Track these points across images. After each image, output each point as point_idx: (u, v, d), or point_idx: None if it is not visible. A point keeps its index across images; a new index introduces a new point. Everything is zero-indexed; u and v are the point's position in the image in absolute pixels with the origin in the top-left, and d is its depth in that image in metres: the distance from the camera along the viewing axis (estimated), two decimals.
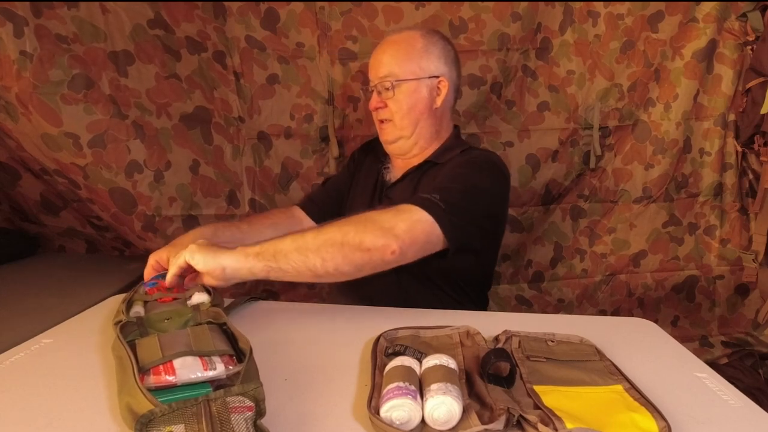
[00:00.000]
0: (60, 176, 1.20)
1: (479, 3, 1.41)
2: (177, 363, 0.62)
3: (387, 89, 1.08)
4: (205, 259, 0.81)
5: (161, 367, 0.61)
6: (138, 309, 0.80)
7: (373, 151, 1.25)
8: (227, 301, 0.92)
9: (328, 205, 1.25)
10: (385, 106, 1.10)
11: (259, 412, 0.54)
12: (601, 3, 1.44)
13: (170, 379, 0.59)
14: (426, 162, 1.11)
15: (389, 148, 1.16)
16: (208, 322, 0.74)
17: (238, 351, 0.69)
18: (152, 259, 0.93)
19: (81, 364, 0.73)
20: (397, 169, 1.17)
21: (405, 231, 0.83)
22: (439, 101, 1.12)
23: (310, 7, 1.40)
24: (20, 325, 0.89)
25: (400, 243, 0.82)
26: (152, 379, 0.59)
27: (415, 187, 1.09)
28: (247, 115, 1.43)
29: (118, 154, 1.18)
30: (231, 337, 0.72)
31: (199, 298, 0.83)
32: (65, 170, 1.17)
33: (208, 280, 0.82)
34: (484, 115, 1.50)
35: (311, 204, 1.25)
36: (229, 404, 0.53)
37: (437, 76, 1.10)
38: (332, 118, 1.47)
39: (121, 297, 0.86)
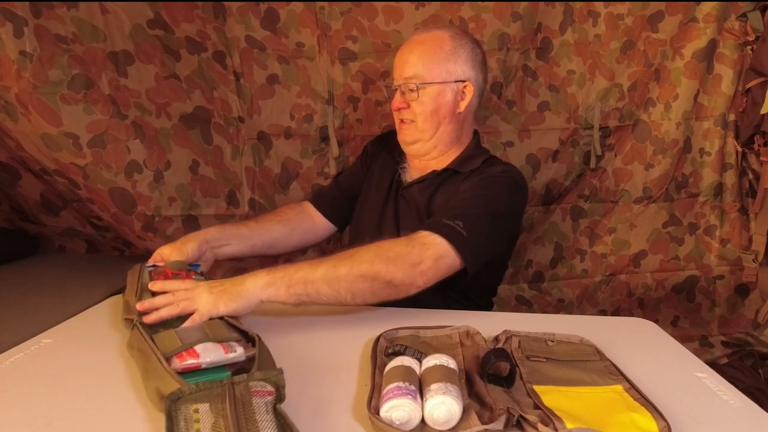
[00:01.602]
0: (60, 176, 1.20)
1: (479, 3, 1.41)
2: (199, 348, 0.66)
3: (411, 90, 1.06)
4: (226, 305, 0.80)
5: (184, 353, 0.65)
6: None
7: (387, 147, 1.24)
8: None
9: (339, 201, 1.26)
10: (408, 106, 1.08)
11: (279, 397, 0.57)
12: (602, 3, 1.44)
13: (194, 361, 0.63)
14: (447, 169, 1.11)
15: (407, 149, 1.14)
16: (210, 318, 0.78)
17: (248, 338, 0.74)
18: (157, 256, 0.95)
19: (81, 364, 0.73)
20: (413, 170, 1.16)
21: (430, 268, 0.87)
22: (462, 106, 1.10)
23: (310, 7, 1.40)
24: (20, 325, 0.89)
25: (425, 280, 0.87)
26: (178, 363, 0.63)
27: (433, 193, 1.09)
28: (247, 115, 1.43)
29: (117, 154, 1.18)
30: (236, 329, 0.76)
31: None
32: (65, 170, 1.17)
33: (208, 314, 0.79)
34: (484, 115, 1.49)
35: (322, 199, 1.26)
36: (251, 388, 0.56)
37: (463, 81, 1.09)
38: (332, 118, 1.47)
39: (124, 293, 0.87)
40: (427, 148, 1.12)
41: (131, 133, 1.20)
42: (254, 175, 1.45)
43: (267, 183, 1.47)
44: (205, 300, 0.79)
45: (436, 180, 1.11)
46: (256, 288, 0.82)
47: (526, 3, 1.41)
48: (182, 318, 0.79)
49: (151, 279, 0.87)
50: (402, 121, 1.11)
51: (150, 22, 1.25)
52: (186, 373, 0.63)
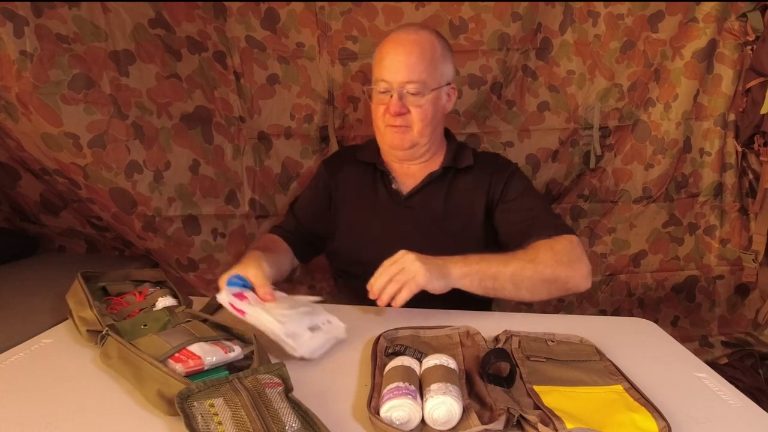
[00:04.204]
0: (60, 176, 1.20)
1: (479, 3, 1.41)
2: (197, 350, 0.66)
3: (414, 95, 1.03)
4: (438, 280, 0.86)
5: (179, 355, 0.65)
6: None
7: (347, 164, 1.20)
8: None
9: (304, 237, 1.20)
10: (408, 112, 1.05)
11: (288, 387, 0.59)
12: (601, 3, 1.44)
13: (196, 363, 0.64)
14: (447, 168, 1.11)
15: (399, 154, 1.12)
16: (187, 321, 0.78)
17: (236, 337, 0.75)
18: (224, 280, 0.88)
19: (81, 364, 0.73)
20: (405, 177, 1.15)
21: (586, 259, 0.97)
22: (449, 106, 1.12)
23: (310, 7, 1.40)
24: (20, 325, 0.89)
25: (590, 280, 0.96)
26: (179, 367, 0.63)
27: (447, 194, 1.10)
28: (248, 115, 1.43)
29: (117, 154, 1.18)
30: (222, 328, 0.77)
31: (166, 302, 0.85)
32: (65, 170, 1.17)
33: (421, 288, 0.85)
34: (484, 115, 1.49)
35: (292, 236, 1.19)
36: (261, 380, 0.57)
37: (450, 83, 1.10)
38: (332, 118, 1.47)
39: (72, 312, 0.84)
40: (422, 151, 1.12)
41: (131, 133, 1.20)
42: (255, 175, 1.45)
43: (267, 183, 1.47)
44: (419, 267, 0.84)
45: (442, 182, 1.11)
46: (457, 275, 0.89)
47: (526, 3, 1.40)
48: (152, 323, 0.79)
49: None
50: (394, 126, 1.06)
51: (151, 22, 1.25)
52: (187, 374, 0.63)
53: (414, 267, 0.85)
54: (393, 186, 1.14)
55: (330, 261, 1.27)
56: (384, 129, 1.09)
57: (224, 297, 0.82)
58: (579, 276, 0.95)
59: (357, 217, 1.16)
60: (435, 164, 1.14)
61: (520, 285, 0.92)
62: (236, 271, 0.87)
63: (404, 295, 0.83)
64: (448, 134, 1.21)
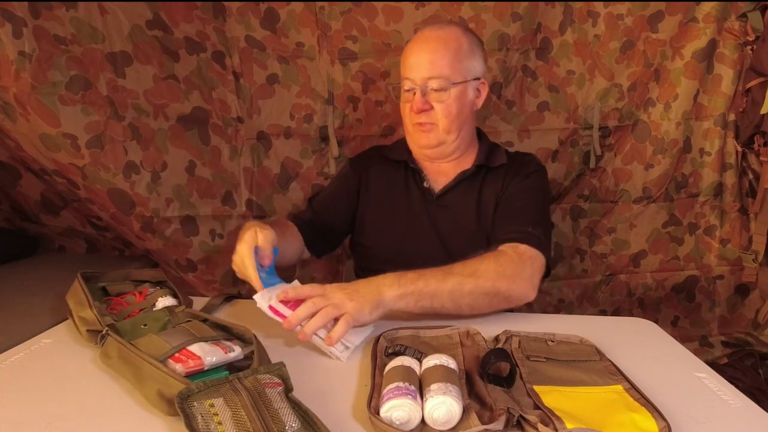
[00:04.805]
0: (59, 176, 1.20)
1: (479, 3, 1.41)
2: (197, 350, 0.66)
3: (436, 91, 1.03)
4: (371, 313, 0.81)
5: (179, 356, 0.65)
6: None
7: (377, 163, 1.20)
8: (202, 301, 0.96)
9: (319, 231, 1.18)
10: (431, 108, 1.04)
11: (288, 387, 0.59)
12: (601, 3, 1.44)
13: (196, 363, 0.64)
14: (480, 166, 1.11)
15: (428, 152, 1.11)
16: (187, 321, 0.78)
17: (236, 337, 0.75)
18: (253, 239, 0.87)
19: (81, 364, 0.73)
20: (435, 175, 1.14)
21: (539, 280, 0.96)
22: (479, 103, 1.11)
23: (310, 7, 1.40)
24: (20, 325, 0.89)
25: (535, 292, 0.94)
26: (179, 367, 0.63)
27: (479, 193, 1.10)
28: (247, 115, 1.42)
29: (115, 155, 1.18)
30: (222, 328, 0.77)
31: (166, 302, 0.85)
32: (64, 170, 1.17)
33: (354, 323, 0.79)
34: (484, 115, 1.49)
35: (306, 228, 1.17)
36: (261, 380, 0.57)
37: (479, 78, 1.09)
38: (332, 118, 1.47)
39: (73, 311, 0.83)
40: (451, 149, 1.10)
41: (128, 134, 1.20)
42: (252, 176, 1.45)
43: (265, 183, 1.46)
44: (351, 305, 0.79)
45: (475, 179, 1.11)
46: (391, 299, 0.84)
47: (526, 3, 1.40)
48: (152, 323, 0.78)
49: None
50: (420, 124, 1.06)
51: (149, 23, 1.25)
52: (187, 375, 0.63)
53: (343, 303, 0.79)
54: (425, 184, 1.13)
55: (356, 259, 1.27)
56: (412, 128, 1.09)
57: (263, 301, 0.79)
58: (521, 289, 0.91)
59: (388, 215, 1.16)
60: (467, 162, 1.13)
61: (460, 301, 0.87)
62: (248, 242, 0.84)
63: (339, 330, 0.75)
64: (480, 134, 1.20)
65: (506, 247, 0.95)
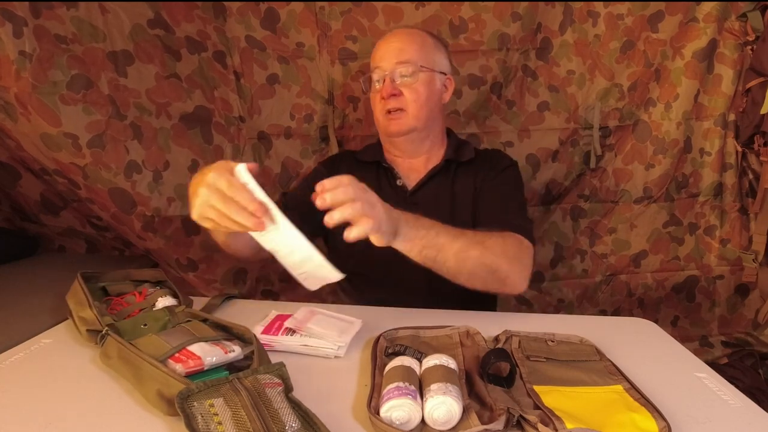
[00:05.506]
0: (60, 176, 1.20)
1: (479, 3, 1.41)
2: (197, 350, 0.66)
3: (405, 76, 1.07)
4: (385, 234, 0.76)
5: (179, 356, 0.65)
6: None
7: (348, 165, 1.18)
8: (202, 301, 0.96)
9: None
10: (400, 94, 1.07)
11: (288, 387, 0.59)
12: (601, 3, 1.44)
13: (196, 363, 0.64)
14: (449, 161, 1.12)
15: (400, 140, 1.12)
16: (187, 321, 0.78)
17: (236, 337, 0.75)
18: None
19: (81, 364, 0.73)
20: (409, 172, 1.15)
21: (530, 272, 0.95)
22: (446, 98, 1.15)
23: (310, 7, 1.40)
24: (20, 325, 0.89)
25: (527, 283, 0.94)
26: (179, 367, 0.63)
27: (452, 185, 1.11)
28: (247, 115, 1.42)
29: (116, 154, 1.18)
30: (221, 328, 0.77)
31: (166, 302, 0.85)
32: (65, 170, 1.17)
33: (373, 232, 0.73)
34: (484, 115, 1.49)
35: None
36: (260, 380, 0.58)
37: (445, 73, 1.14)
38: (332, 118, 1.47)
39: (72, 312, 0.83)
40: (420, 138, 1.12)
41: (129, 133, 1.20)
42: (254, 175, 1.44)
43: (267, 183, 1.46)
44: (381, 214, 0.74)
45: (446, 175, 1.12)
46: (404, 234, 0.80)
47: (526, 3, 1.41)
48: (152, 323, 0.78)
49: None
50: (390, 111, 1.09)
51: (150, 22, 1.25)
52: (187, 375, 0.63)
53: (375, 207, 0.74)
54: (398, 182, 1.14)
55: (332, 259, 1.26)
56: (382, 118, 1.12)
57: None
58: (518, 275, 0.92)
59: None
60: (437, 158, 1.15)
61: (462, 264, 0.86)
62: (224, 167, 0.79)
63: (355, 233, 0.71)
64: (449, 132, 1.23)
65: (508, 234, 0.96)
